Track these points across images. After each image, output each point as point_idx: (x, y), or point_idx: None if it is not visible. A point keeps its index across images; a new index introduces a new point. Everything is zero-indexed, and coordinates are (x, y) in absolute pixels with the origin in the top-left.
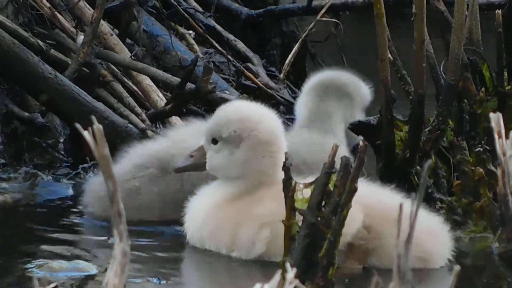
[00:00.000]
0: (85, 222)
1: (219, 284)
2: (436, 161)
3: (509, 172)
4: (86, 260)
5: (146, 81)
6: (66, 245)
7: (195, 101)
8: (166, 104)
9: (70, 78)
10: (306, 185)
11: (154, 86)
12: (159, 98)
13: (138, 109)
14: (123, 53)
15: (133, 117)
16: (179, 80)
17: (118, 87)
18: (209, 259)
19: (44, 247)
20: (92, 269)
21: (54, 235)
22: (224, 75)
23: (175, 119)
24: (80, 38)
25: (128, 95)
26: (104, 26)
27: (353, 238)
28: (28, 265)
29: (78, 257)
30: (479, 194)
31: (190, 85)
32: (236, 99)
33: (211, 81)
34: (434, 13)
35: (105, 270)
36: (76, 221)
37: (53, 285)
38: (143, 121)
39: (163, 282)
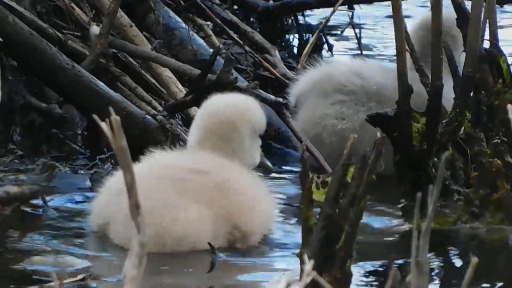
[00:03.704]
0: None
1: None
2: (453, 153)
3: None
4: (75, 255)
5: (166, 72)
6: (71, 239)
7: (215, 93)
8: (186, 95)
9: (88, 69)
10: (323, 178)
11: (174, 78)
12: (179, 90)
13: (147, 97)
14: (143, 45)
15: (144, 105)
16: (191, 69)
17: (127, 80)
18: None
19: (48, 241)
20: (76, 264)
21: (61, 232)
22: (242, 66)
23: (194, 110)
24: (94, 28)
25: (137, 86)
26: (124, 17)
27: None
28: (16, 259)
29: (76, 252)
30: (496, 186)
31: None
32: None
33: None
34: None
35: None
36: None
37: (80, 276)
38: (154, 108)
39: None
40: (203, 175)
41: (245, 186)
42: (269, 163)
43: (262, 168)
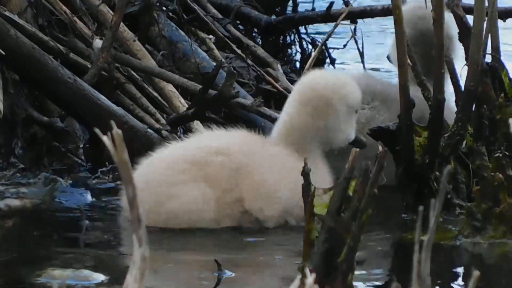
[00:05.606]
0: (102, 228)
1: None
2: (456, 167)
3: None
4: (92, 269)
5: (169, 87)
6: (76, 252)
7: (216, 107)
8: (188, 109)
9: (90, 83)
10: (325, 191)
11: (176, 92)
12: (181, 104)
13: (152, 108)
14: (146, 59)
15: (147, 117)
16: (195, 85)
17: (132, 88)
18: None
19: (54, 254)
20: (94, 278)
21: (67, 242)
22: (244, 80)
23: (196, 124)
24: (96, 42)
25: (142, 96)
26: (127, 32)
27: None
28: (30, 272)
29: (84, 265)
30: (499, 200)
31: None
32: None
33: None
34: None
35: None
36: (91, 227)
37: None
38: (157, 121)
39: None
40: (222, 157)
41: (266, 173)
42: (363, 138)
43: (356, 143)
